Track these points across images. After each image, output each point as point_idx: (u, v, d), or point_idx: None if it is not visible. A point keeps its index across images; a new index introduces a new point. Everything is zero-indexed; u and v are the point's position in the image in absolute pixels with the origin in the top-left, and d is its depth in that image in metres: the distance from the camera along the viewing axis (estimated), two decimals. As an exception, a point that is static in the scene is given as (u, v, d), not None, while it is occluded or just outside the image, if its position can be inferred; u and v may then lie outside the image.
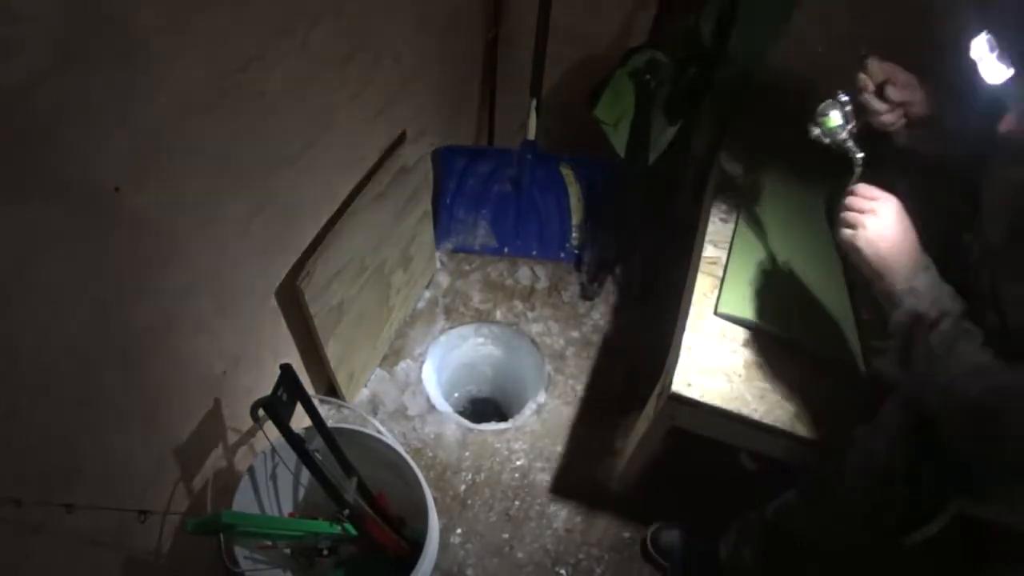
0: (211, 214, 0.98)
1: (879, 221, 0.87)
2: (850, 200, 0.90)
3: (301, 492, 1.29)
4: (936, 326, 0.80)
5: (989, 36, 0.75)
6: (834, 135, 0.98)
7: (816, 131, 1.00)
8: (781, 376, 1.08)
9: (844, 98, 0.98)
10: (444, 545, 1.43)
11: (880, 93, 0.98)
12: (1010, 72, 0.75)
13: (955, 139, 0.96)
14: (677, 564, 1.39)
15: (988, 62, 0.76)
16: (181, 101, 0.84)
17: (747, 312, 1.14)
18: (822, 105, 0.99)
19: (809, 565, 1.15)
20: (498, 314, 1.86)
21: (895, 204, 0.88)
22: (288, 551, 1.22)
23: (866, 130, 0.99)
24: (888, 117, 0.98)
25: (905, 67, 0.98)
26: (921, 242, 0.87)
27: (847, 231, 0.89)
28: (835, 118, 0.98)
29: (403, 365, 1.73)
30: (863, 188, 0.91)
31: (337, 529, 1.05)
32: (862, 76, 0.99)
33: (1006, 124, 0.76)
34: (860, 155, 0.97)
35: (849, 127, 0.98)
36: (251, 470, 1.15)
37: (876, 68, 0.98)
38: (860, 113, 0.99)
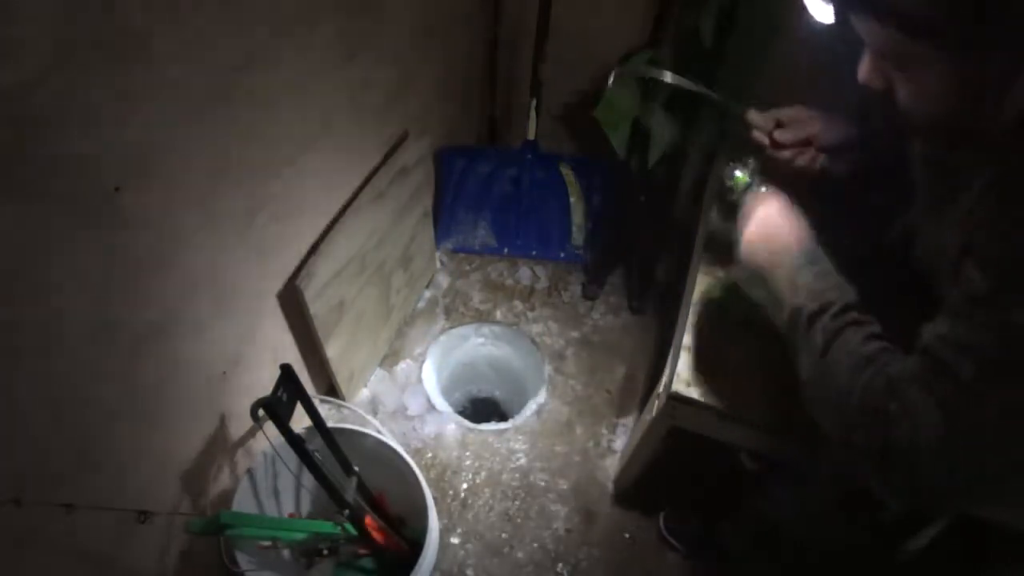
0: (211, 214, 0.98)
1: (753, 224, 0.84)
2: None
3: (301, 492, 1.29)
4: (816, 320, 0.73)
5: None
6: (749, 189, 0.96)
7: (732, 196, 0.97)
8: (781, 376, 1.08)
9: (747, 161, 0.97)
10: (444, 545, 1.43)
11: (775, 143, 0.97)
12: (830, 12, 0.76)
13: (883, 144, 0.92)
14: (693, 546, 1.42)
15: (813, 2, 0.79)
16: (181, 101, 0.84)
17: (746, 311, 1.14)
18: (725, 169, 0.98)
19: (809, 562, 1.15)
20: (498, 314, 1.86)
21: (774, 203, 0.85)
22: (288, 551, 1.22)
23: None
24: (800, 160, 0.96)
25: (795, 100, 0.97)
26: (815, 238, 0.81)
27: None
28: (743, 175, 0.96)
29: (403, 365, 1.73)
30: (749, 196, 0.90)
31: (337, 529, 1.05)
32: (753, 134, 0.99)
33: (861, 72, 0.71)
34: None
35: (753, 168, 0.97)
36: (251, 470, 1.16)
37: (758, 119, 0.98)
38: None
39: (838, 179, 0.97)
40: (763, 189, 0.94)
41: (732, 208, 0.96)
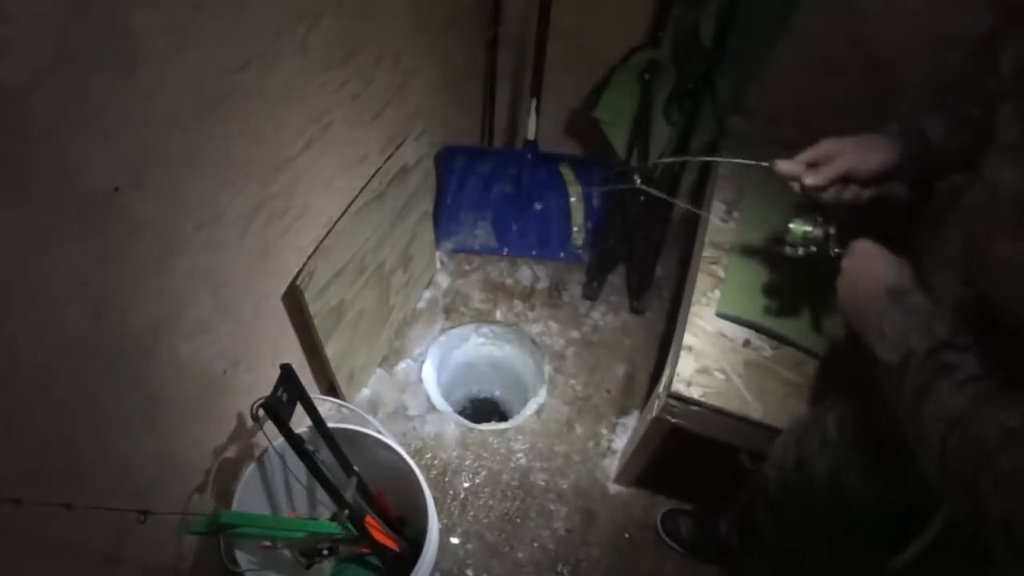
0: (211, 214, 0.98)
1: (841, 281, 0.81)
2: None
3: (301, 492, 1.29)
4: (904, 375, 0.64)
5: None
6: (808, 238, 0.93)
7: (790, 250, 0.95)
8: (781, 376, 1.08)
9: (813, 215, 0.94)
10: (444, 545, 1.43)
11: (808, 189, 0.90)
12: None
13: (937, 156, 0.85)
14: (687, 545, 1.43)
15: None
16: (181, 101, 0.84)
17: (747, 312, 1.14)
18: (786, 226, 0.95)
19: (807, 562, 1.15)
20: (498, 314, 1.86)
21: (859, 249, 0.81)
22: (288, 551, 1.22)
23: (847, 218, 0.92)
24: (847, 194, 0.89)
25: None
26: (907, 274, 0.75)
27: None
28: (800, 225, 0.94)
29: (403, 365, 1.73)
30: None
31: (337, 529, 1.05)
32: (790, 184, 0.92)
33: None
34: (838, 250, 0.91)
35: (820, 222, 0.93)
36: (251, 470, 1.15)
37: (786, 168, 0.92)
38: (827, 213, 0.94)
39: (904, 201, 0.92)
40: (830, 233, 0.90)
41: (797, 262, 0.94)
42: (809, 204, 0.93)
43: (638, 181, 1.44)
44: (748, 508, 1.19)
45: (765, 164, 0.94)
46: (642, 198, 1.73)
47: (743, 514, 1.22)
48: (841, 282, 0.82)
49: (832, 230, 0.92)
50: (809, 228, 0.93)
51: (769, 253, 1.22)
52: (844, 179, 0.88)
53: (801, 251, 0.94)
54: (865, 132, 0.90)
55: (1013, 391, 0.56)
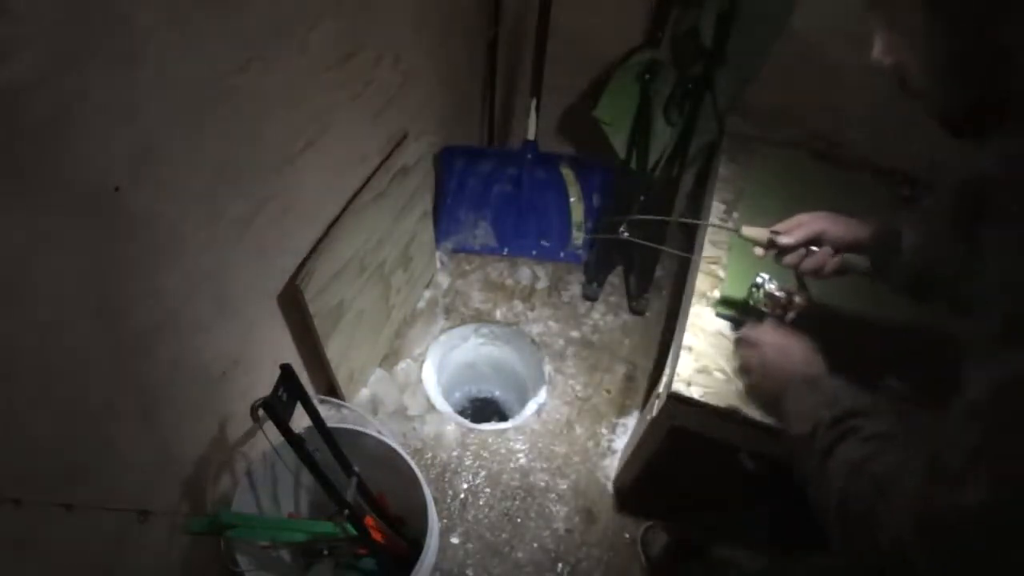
0: (211, 214, 0.98)
1: (761, 366, 0.88)
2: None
3: (301, 492, 1.29)
4: (813, 438, 0.70)
5: None
6: (769, 299, 1.04)
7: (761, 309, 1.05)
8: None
9: (759, 280, 1.05)
10: (444, 545, 1.43)
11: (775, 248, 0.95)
12: None
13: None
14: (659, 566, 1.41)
15: None
16: (181, 101, 0.84)
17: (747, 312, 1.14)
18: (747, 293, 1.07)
19: None
20: (498, 314, 1.86)
21: (770, 340, 0.89)
22: (288, 552, 1.22)
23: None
24: (808, 264, 0.92)
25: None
26: (818, 362, 0.83)
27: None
28: (756, 294, 1.05)
29: (403, 365, 1.73)
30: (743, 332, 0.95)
31: (337, 529, 1.05)
32: (754, 250, 0.97)
33: (874, 51, 0.65)
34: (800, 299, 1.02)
35: (773, 288, 1.03)
36: (251, 470, 1.15)
37: (751, 233, 0.96)
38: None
39: (866, 272, 0.94)
40: (793, 294, 1.00)
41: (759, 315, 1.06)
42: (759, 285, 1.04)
43: (624, 234, 1.58)
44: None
45: (733, 229, 1.00)
46: (642, 198, 1.74)
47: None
48: (755, 373, 0.90)
49: (796, 299, 1.01)
50: (761, 296, 1.04)
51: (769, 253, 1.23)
52: (809, 243, 0.92)
53: (768, 306, 1.04)
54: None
55: (916, 442, 0.60)
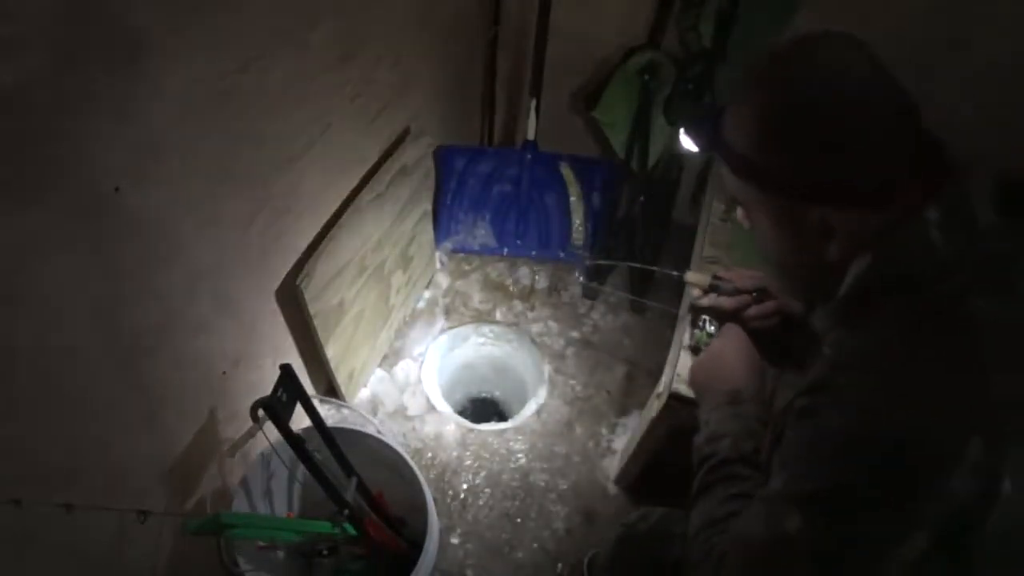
0: (211, 214, 0.98)
1: (707, 352, 0.92)
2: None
3: (301, 493, 1.29)
4: (701, 465, 0.76)
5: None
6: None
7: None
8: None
9: (700, 322, 1.06)
10: (444, 545, 1.43)
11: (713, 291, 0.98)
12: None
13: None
14: None
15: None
16: (181, 101, 0.84)
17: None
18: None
19: None
20: (498, 314, 1.86)
21: (729, 337, 0.91)
22: (287, 552, 1.22)
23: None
24: (751, 311, 0.93)
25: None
26: (753, 384, 0.84)
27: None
28: (700, 335, 1.06)
29: (403, 365, 1.73)
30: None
31: (337, 529, 1.05)
32: (693, 294, 1.01)
33: (738, 213, 0.71)
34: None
35: (714, 329, 1.04)
36: (251, 470, 1.15)
37: (694, 278, 1.00)
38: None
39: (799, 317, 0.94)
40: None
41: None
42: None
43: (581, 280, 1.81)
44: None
45: (676, 274, 1.03)
46: (642, 198, 1.74)
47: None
48: (702, 357, 0.93)
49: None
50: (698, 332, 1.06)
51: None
52: (752, 291, 0.95)
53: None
54: None
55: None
